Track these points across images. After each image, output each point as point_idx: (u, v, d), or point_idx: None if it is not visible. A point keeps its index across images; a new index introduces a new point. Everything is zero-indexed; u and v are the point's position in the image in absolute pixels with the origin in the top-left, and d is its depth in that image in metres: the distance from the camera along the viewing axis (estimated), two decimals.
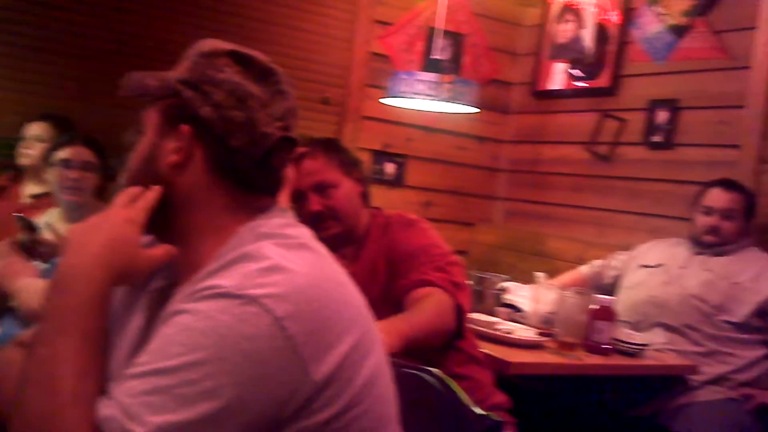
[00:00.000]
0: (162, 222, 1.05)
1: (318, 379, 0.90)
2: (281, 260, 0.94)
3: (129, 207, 1.03)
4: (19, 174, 3.14)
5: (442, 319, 1.85)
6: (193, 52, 1.08)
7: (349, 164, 2.08)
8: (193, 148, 1.03)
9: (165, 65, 1.12)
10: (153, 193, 1.04)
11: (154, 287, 1.10)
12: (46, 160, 2.57)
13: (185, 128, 1.03)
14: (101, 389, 0.89)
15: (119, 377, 0.90)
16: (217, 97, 1.03)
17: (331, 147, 2.09)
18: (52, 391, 0.87)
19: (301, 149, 2.01)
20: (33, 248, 2.23)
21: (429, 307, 1.83)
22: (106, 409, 0.86)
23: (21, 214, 2.36)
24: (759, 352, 2.69)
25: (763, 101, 3.14)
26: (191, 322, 0.89)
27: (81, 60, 3.42)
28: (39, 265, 2.14)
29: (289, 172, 1.98)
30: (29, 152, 3.06)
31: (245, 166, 1.05)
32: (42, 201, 2.86)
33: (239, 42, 1.12)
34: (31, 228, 2.27)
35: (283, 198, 1.87)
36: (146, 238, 1.06)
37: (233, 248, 0.98)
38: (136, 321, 1.08)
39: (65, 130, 2.96)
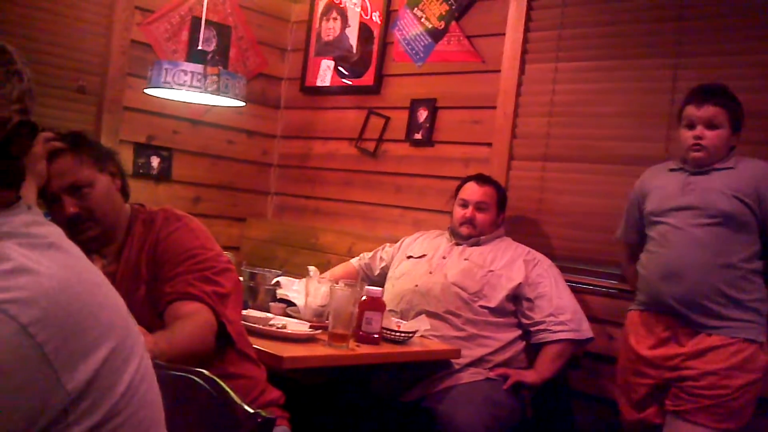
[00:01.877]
0: None
1: (72, 389, 0.84)
2: (26, 261, 0.86)
3: None
4: None
5: (203, 341, 1.82)
6: None
7: (101, 159, 1.94)
8: None
9: None
10: None
11: None
12: None
13: None
14: None
15: None
16: None
17: (79, 142, 1.92)
18: None
19: (52, 145, 1.86)
20: None
21: (190, 329, 1.79)
22: None
23: None
24: (513, 334, 2.92)
25: (512, 102, 3.41)
26: None
27: None
28: None
29: (38, 165, 1.81)
30: None
31: None
32: None
33: None
34: None
35: (29, 192, 1.71)
36: None
37: None
38: None
39: None
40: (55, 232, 0.97)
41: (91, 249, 1.85)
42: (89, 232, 1.89)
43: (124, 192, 2.00)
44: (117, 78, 3.78)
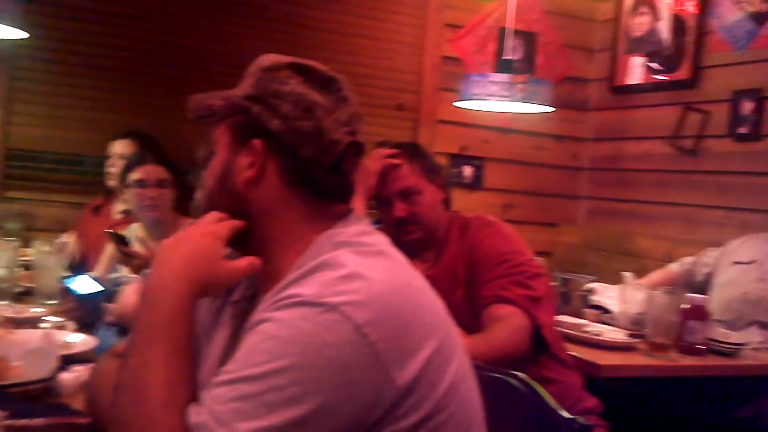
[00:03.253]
0: (242, 235, 1.07)
1: (401, 385, 0.90)
2: (359, 268, 0.95)
3: (214, 223, 1.05)
4: (112, 191, 3.26)
5: (518, 344, 1.85)
6: (255, 69, 1.10)
7: (431, 170, 2.09)
8: (266, 162, 1.05)
9: (238, 79, 1.14)
10: (239, 222, 1.06)
11: (238, 298, 1.13)
12: (122, 181, 2.65)
13: (257, 143, 1.05)
14: (192, 397, 0.92)
15: (209, 385, 0.92)
16: (284, 109, 1.05)
17: (415, 153, 2.11)
18: (144, 398, 0.91)
19: (390, 157, 2.04)
20: (126, 261, 2.33)
21: (505, 332, 1.84)
22: (196, 416, 0.89)
23: (112, 230, 2.48)
24: None
25: None
26: (274, 331, 0.90)
27: (158, 78, 3.58)
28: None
29: (370, 179, 2.01)
30: (113, 170, 3.16)
31: (317, 175, 1.06)
32: (131, 217, 2.98)
33: (311, 53, 1.15)
34: (122, 242, 2.38)
35: (358, 204, 1.89)
36: (229, 251, 1.07)
37: (312, 257, 0.99)
38: (223, 331, 1.10)
39: (147, 147, 3.06)
40: (382, 241, 1.06)
41: (412, 252, 1.98)
42: (413, 235, 2.04)
43: (446, 203, 2.13)
44: (431, 93, 4.00)
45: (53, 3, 3.42)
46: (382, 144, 2.10)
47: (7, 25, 2.38)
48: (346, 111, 1.08)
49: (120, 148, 3.17)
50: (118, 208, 3.21)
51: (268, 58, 1.11)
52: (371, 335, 0.89)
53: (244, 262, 1.05)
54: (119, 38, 3.54)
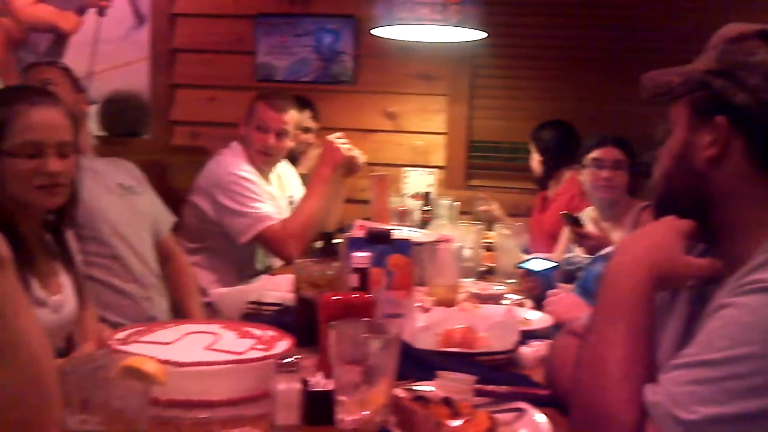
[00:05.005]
0: (702, 220, 1.04)
1: None
2: None
3: (675, 219, 1.05)
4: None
5: None
6: (717, 40, 1.05)
7: None
8: (729, 140, 1.00)
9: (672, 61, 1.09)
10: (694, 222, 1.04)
11: (694, 282, 1.09)
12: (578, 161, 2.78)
13: (720, 119, 1.00)
14: (649, 377, 0.93)
15: (665, 368, 0.92)
16: (752, 81, 0.98)
17: None
18: (601, 372, 0.95)
19: None
20: (580, 241, 2.42)
21: None
22: (653, 395, 0.90)
23: (566, 212, 2.62)
24: None
25: None
26: (736, 316, 0.88)
27: (592, 62, 3.66)
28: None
29: None
30: (536, 156, 3.36)
31: None
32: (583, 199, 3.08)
33: None
34: (576, 223, 2.49)
35: None
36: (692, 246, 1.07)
37: None
38: (678, 316, 1.09)
39: (567, 135, 3.21)
40: None
41: None
42: None
43: None
44: None
45: (508, 2, 3.67)
46: None
47: (470, 28, 2.61)
48: None
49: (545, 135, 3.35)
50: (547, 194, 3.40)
51: (733, 28, 1.04)
52: None
53: (706, 262, 1.03)
54: (559, 28, 3.70)
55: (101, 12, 3.25)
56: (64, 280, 1.76)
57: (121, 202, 2.37)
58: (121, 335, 1.28)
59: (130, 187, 2.44)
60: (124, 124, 3.84)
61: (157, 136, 3.88)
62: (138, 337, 1.27)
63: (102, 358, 0.98)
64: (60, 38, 3.42)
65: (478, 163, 3.84)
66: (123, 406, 0.83)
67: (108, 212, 2.31)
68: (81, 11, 3.35)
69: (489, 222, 3.07)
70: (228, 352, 1.22)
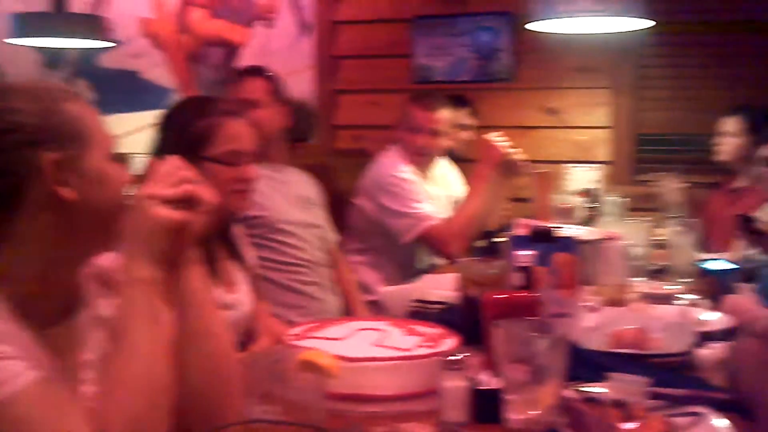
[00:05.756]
0: None
1: None
2: None
3: None
4: (729, 170, 3.21)
5: None
6: None
7: None
8: None
9: None
10: None
11: None
12: (746, 155, 2.59)
13: None
14: None
15: None
16: None
17: None
18: None
19: None
20: (756, 241, 2.27)
21: None
22: None
23: (742, 212, 2.44)
24: None
25: None
26: None
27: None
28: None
29: None
30: (724, 148, 3.16)
31: None
32: (741, 195, 2.89)
33: None
34: (751, 222, 2.33)
35: None
36: None
37: None
38: None
39: (761, 123, 2.96)
40: None
41: None
42: None
43: None
44: None
45: None
46: None
47: (635, 16, 2.50)
48: None
49: (730, 125, 3.14)
50: (736, 186, 3.16)
51: None
52: None
53: None
54: (728, 12, 3.45)
55: (268, 24, 3.42)
56: (239, 277, 1.87)
57: (302, 212, 2.56)
58: (296, 331, 1.34)
59: (308, 198, 2.63)
60: (295, 132, 4.02)
61: (322, 141, 4.02)
62: (311, 333, 1.33)
63: (280, 352, 1.03)
64: (231, 51, 3.64)
65: (647, 157, 3.66)
66: (301, 398, 0.87)
67: (290, 219, 2.50)
68: (249, 24, 3.54)
69: (660, 218, 2.93)
70: (396, 348, 1.24)
